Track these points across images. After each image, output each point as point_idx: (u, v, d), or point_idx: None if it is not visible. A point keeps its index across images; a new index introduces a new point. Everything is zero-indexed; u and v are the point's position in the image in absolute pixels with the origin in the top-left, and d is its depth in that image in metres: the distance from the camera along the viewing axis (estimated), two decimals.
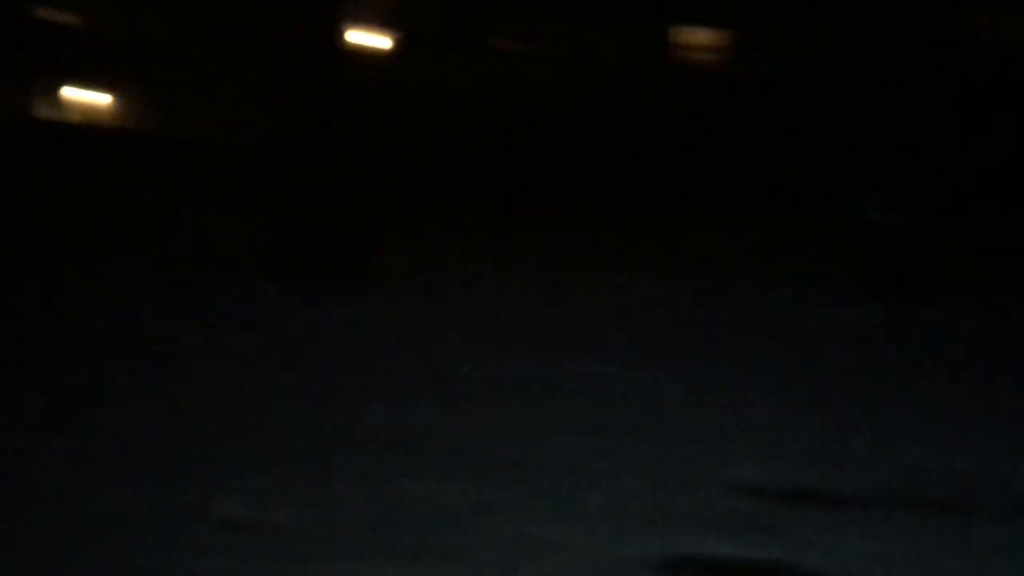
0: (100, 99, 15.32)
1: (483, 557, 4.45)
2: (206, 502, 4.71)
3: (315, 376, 6.94)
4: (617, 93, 15.24)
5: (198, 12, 14.87)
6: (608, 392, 7.26)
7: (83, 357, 7.25)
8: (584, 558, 4.50)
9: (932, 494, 5.45)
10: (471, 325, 8.63)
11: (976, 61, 14.41)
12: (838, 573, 4.43)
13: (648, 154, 14.44)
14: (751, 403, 7.21)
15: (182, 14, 14.88)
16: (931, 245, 10.79)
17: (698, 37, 15.91)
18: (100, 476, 5.04)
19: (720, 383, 7.72)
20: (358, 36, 16.00)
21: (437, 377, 7.14)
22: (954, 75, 13.16)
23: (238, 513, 4.62)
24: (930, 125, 12.20)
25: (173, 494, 4.82)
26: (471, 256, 11.19)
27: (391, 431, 6.02)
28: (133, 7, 15.35)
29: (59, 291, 8.95)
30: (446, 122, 14.72)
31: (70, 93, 15.23)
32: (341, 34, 15.24)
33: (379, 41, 16.25)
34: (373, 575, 4.24)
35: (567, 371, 7.62)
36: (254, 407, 6.24)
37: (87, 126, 15.34)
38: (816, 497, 5.36)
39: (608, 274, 10.96)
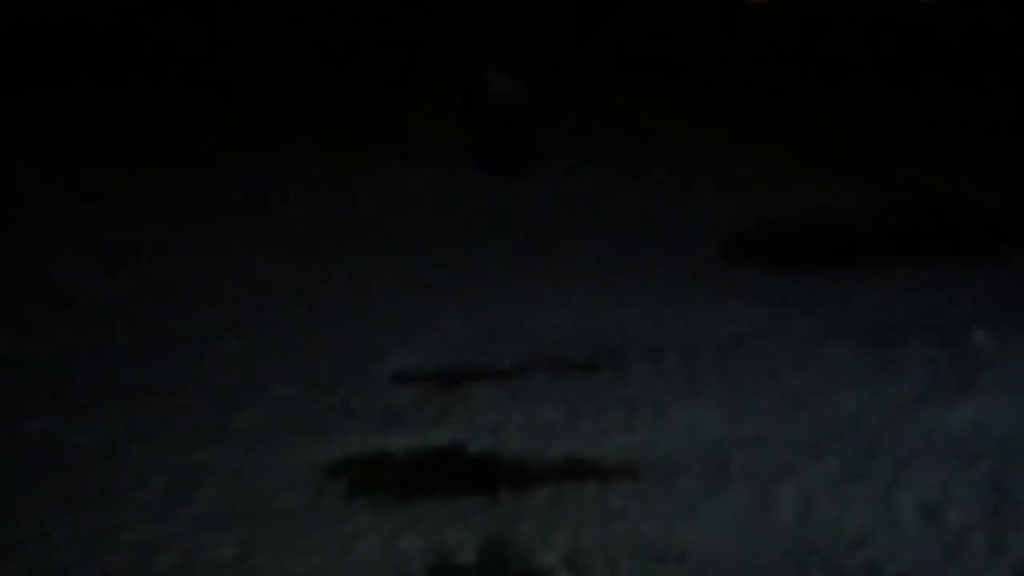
0: None
1: (145, 492, 4.26)
2: None
3: None
4: None
5: None
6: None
7: None
8: (253, 475, 4.39)
9: (566, 356, 5.73)
10: None
11: None
12: (502, 447, 4.58)
13: None
14: (394, 287, 7.29)
15: None
16: (549, 122, 11.22)
17: None
18: None
19: (348, 265, 7.79)
20: None
21: None
22: None
23: None
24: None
25: None
26: None
27: None
28: None
29: None
30: None
31: None
32: None
33: None
34: None
35: None
36: None
37: None
38: (470, 375, 5.51)
39: None
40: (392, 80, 14.20)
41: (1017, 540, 3.74)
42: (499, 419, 4.81)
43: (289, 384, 5.43)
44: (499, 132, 10.78)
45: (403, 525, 3.91)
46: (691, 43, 17.11)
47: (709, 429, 4.66)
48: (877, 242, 8.22)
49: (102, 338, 6.31)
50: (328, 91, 14.20)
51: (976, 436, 4.63)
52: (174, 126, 12.87)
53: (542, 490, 4.14)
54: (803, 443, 4.52)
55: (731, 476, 4.22)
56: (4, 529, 3.98)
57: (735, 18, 22.64)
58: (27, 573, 3.70)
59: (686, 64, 16.00)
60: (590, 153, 11.18)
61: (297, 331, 6.33)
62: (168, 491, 4.27)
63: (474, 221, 9.24)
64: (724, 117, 13.38)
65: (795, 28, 20.56)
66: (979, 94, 15.39)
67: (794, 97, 14.92)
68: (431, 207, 9.71)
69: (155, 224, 8.80)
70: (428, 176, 10.60)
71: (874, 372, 5.33)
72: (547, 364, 5.57)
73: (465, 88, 11.23)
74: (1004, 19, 18.94)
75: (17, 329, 6.41)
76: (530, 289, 7.16)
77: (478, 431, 4.72)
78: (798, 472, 4.26)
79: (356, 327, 6.39)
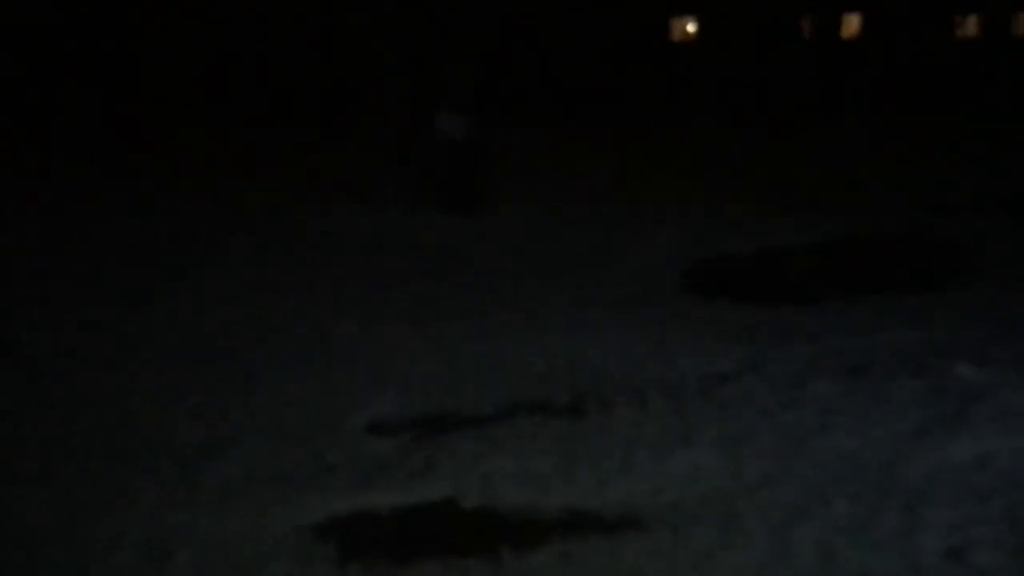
0: None
1: (115, 566, 3.89)
2: None
3: None
4: None
5: None
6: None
7: None
8: (233, 540, 4.05)
9: (548, 399, 5.47)
10: None
11: None
12: (497, 501, 4.30)
13: None
14: (355, 332, 6.98)
15: None
16: (498, 161, 11.02)
17: None
18: None
19: (306, 310, 7.46)
20: None
21: None
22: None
23: None
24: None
25: None
26: None
27: None
28: None
29: None
30: None
31: None
32: None
33: None
34: None
35: None
36: None
37: None
38: (450, 423, 5.22)
39: None
40: (336, 120, 13.98)
41: None
42: (489, 470, 4.52)
43: (260, 437, 5.10)
44: (449, 171, 10.57)
45: None
46: (633, 79, 17.16)
47: (710, 473, 4.43)
48: (840, 275, 8.12)
49: (52, 393, 5.92)
50: (271, 131, 13.94)
51: (981, 471, 4.46)
52: (112, 165, 12.48)
53: (547, 547, 3.87)
54: (810, 486, 4.30)
55: (743, 524, 3.99)
56: None
57: (667, 55, 22.84)
58: None
59: (631, 101, 16.00)
60: (542, 191, 11.03)
61: (261, 380, 5.99)
62: (140, 563, 3.93)
63: (430, 261, 8.99)
64: (676, 152, 13.32)
65: (739, 61, 20.79)
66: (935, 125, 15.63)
67: (746, 131, 14.96)
68: (384, 247, 9.44)
69: (98, 271, 8.40)
70: (378, 216, 10.34)
71: (865, 409, 5.14)
72: (529, 409, 5.31)
73: (413, 128, 11.03)
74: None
75: None
76: (498, 329, 6.90)
77: (469, 484, 4.42)
78: (811, 517, 4.04)
79: (322, 375, 6.06)
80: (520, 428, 5.04)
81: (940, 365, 5.71)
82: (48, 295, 7.59)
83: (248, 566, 3.85)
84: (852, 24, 23.36)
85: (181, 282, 8.25)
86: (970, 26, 23.58)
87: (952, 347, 6.09)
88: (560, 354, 6.27)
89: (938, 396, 5.32)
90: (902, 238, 9.24)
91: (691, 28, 24.38)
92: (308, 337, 6.82)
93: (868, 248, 8.89)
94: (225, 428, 5.25)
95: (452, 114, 10.38)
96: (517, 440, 4.86)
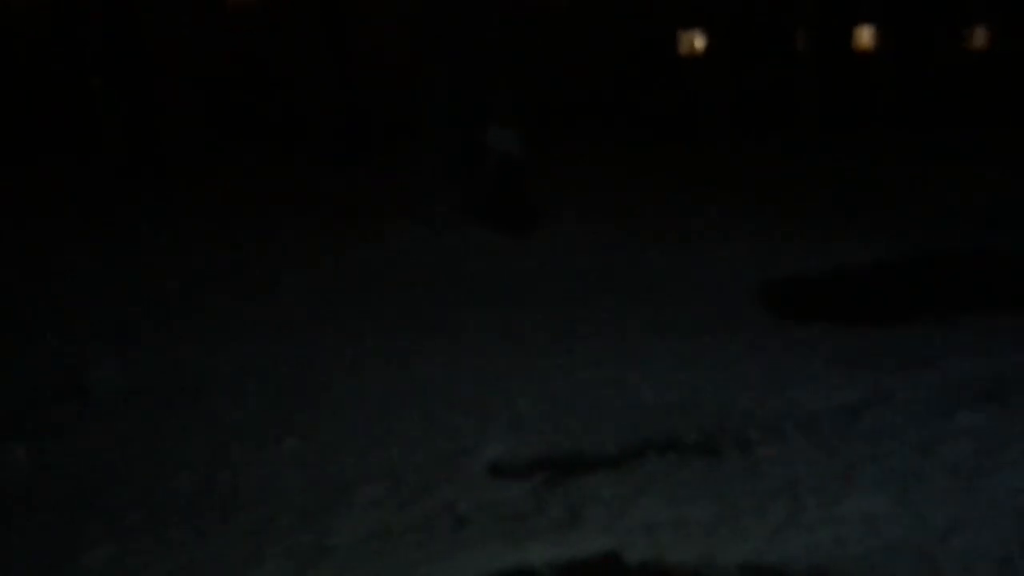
0: None
1: None
2: None
3: None
4: None
5: None
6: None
7: None
8: None
9: (675, 436, 5.05)
10: None
11: None
12: (664, 556, 3.87)
13: None
14: (435, 363, 6.54)
15: None
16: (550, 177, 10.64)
17: None
18: None
19: (376, 340, 7.03)
20: None
21: None
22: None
23: None
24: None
25: None
26: None
27: None
28: None
29: None
30: None
31: None
32: None
33: None
34: None
35: None
36: None
37: None
38: (577, 464, 4.79)
39: None
40: (379, 140, 13.54)
41: None
42: (643, 519, 4.10)
43: (375, 485, 4.66)
44: (501, 187, 10.16)
45: None
46: (690, 97, 16.77)
47: (890, 522, 4.00)
48: (928, 294, 7.73)
49: (134, 436, 5.46)
50: (302, 161, 13.44)
51: None
52: (146, 199, 12.03)
53: None
54: (1003, 533, 3.90)
55: None
56: None
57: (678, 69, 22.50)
58: None
59: (687, 117, 15.59)
60: (595, 208, 10.60)
61: (356, 420, 5.56)
62: None
63: (495, 285, 8.56)
64: (730, 169, 12.92)
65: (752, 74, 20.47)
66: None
67: (802, 148, 14.58)
68: (446, 273, 9.00)
69: (163, 307, 7.93)
70: (433, 240, 9.90)
71: (1021, 441, 4.75)
72: (658, 447, 4.88)
73: (463, 143, 10.63)
74: None
75: (32, 430, 5.53)
76: (587, 358, 6.47)
77: (626, 536, 4.00)
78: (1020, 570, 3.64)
79: (420, 413, 5.62)
80: (656, 469, 4.60)
81: None
82: (116, 332, 7.13)
83: None
84: (864, 36, 23.11)
85: (249, 316, 7.80)
86: (980, 37, 23.40)
87: None
88: (667, 385, 5.84)
89: None
90: (973, 254, 8.86)
91: (699, 43, 24.11)
92: (393, 370, 6.39)
93: (944, 265, 8.51)
94: (334, 474, 4.81)
95: (503, 129, 9.99)
96: (660, 484, 4.43)
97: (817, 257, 9.10)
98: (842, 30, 22.54)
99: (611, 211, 10.70)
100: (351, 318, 7.76)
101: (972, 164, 13.82)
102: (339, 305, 8.23)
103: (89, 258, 9.26)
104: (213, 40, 20.07)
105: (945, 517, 4.01)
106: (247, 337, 7.20)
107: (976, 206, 11.08)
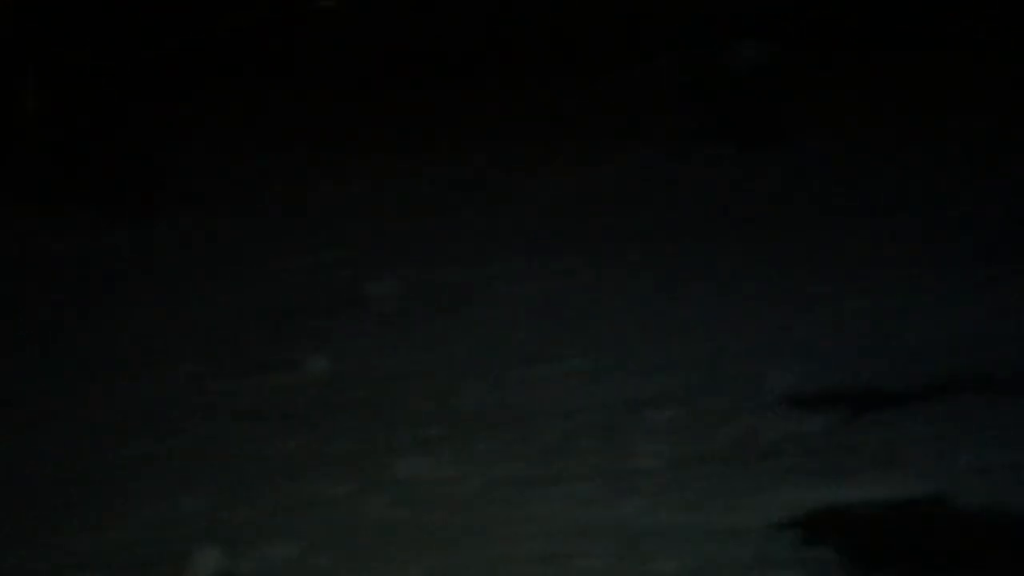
0: None
1: None
2: None
3: None
4: None
5: None
6: None
7: None
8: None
9: (988, 372, 4.71)
10: None
11: None
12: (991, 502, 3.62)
13: None
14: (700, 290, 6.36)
15: None
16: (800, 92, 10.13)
17: None
18: None
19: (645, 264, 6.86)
20: None
21: None
22: None
23: None
24: None
25: None
26: None
27: None
28: None
29: None
30: None
31: None
32: None
33: None
34: None
35: None
36: None
37: None
38: (876, 398, 4.56)
39: None
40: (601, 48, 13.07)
41: None
42: (972, 463, 3.86)
43: (668, 410, 4.55)
44: (745, 103, 9.74)
45: None
46: None
47: None
48: None
49: (413, 350, 5.55)
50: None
51: None
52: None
53: None
54: None
55: None
56: None
57: None
58: None
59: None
60: (851, 126, 10.04)
61: (634, 343, 5.46)
62: None
63: (736, 207, 8.22)
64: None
65: None
66: None
67: None
68: (678, 191, 8.70)
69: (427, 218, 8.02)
70: (670, 158, 9.59)
71: None
72: (968, 384, 4.60)
73: (705, 54, 10.18)
74: None
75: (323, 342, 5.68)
76: (855, 288, 6.13)
77: (953, 478, 3.76)
78: None
79: (695, 337, 5.47)
80: (973, 407, 4.34)
81: None
82: (392, 245, 7.25)
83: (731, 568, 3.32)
84: None
85: (505, 230, 7.77)
86: None
87: None
88: (955, 317, 5.48)
89: None
90: None
91: None
92: (663, 296, 6.24)
93: None
94: (626, 396, 4.74)
95: (748, 37, 9.55)
96: (982, 423, 4.17)
97: None
98: None
99: (868, 127, 10.08)
100: (604, 240, 7.64)
101: None
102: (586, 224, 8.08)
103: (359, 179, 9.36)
104: None
105: None
106: (512, 252, 7.19)
107: None
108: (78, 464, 4.28)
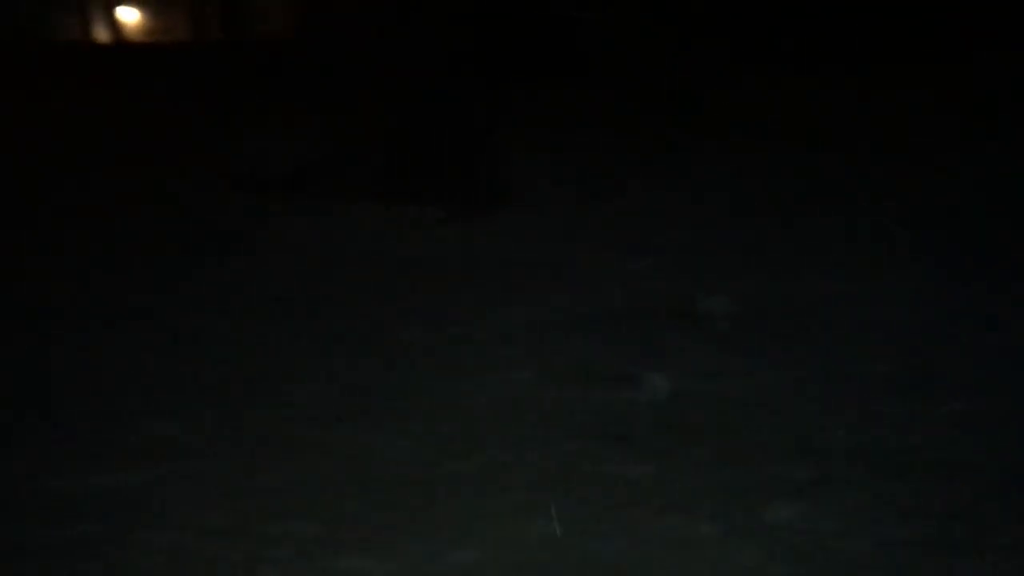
0: None
1: None
2: None
3: None
4: None
5: None
6: None
7: None
8: None
9: None
10: None
11: None
12: None
13: None
14: None
15: None
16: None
17: None
18: None
19: None
20: None
21: None
22: None
23: None
24: None
25: None
26: None
27: None
28: None
29: None
30: None
31: None
32: None
33: None
34: None
35: None
36: None
37: None
38: None
39: None
40: None
41: None
42: None
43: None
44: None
45: None
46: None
47: None
48: None
49: (749, 371, 5.06)
50: None
51: None
52: None
53: None
54: None
55: None
56: None
57: None
58: None
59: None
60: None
61: None
62: None
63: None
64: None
65: None
66: None
67: None
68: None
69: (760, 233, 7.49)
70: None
71: None
72: None
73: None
74: None
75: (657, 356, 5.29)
76: None
77: None
78: None
79: None
80: None
81: None
82: (725, 261, 6.78)
83: None
84: None
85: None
86: None
87: None
88: None
89: None
90: None
91: None
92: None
93: None
94: None
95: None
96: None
97: None
98: None
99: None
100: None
101: None
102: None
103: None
104: None
105: None
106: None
107: None
108: (424, 472, 4.08)
